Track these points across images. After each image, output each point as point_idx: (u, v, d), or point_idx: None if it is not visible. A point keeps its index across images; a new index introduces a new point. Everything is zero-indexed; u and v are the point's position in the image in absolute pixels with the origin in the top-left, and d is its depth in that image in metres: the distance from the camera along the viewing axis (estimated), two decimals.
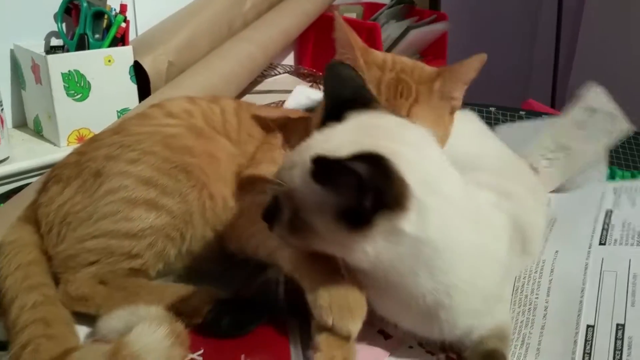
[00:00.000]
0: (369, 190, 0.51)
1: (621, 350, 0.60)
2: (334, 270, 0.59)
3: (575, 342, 0.62)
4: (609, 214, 0.78)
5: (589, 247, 0.73)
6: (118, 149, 0.72)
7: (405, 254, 0.55)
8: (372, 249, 0.54)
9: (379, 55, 0.79)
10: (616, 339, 0.61)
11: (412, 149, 0.56)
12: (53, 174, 0.76)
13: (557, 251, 0.74)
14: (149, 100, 1.10)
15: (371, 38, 1.55)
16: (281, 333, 0.64)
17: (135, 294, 0.65)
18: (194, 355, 0.60)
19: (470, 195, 0.59)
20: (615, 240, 0.73)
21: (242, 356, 0.60)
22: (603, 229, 0.76)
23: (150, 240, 0.68)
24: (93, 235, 0.68)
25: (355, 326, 0.57)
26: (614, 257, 0.70)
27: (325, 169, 0.51)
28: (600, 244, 0.73)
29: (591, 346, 0.61)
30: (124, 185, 0.69)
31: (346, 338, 0.57)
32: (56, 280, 0.68)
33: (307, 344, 0.61)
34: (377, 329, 0.66)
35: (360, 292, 0.59)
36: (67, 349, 0.58)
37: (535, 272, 0.72)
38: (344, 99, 0.61)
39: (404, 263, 0.55)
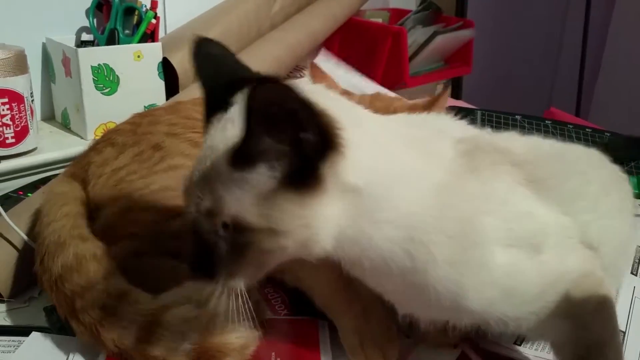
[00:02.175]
0: (309, 127, 0.43)
1: None
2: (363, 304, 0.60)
3: None
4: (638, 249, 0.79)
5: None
6: (180, 128, 0.73)
7: (357, 213, 0.47)
8: (333, 212, 0.46)
9: None
10: None
11: (332, 99, 0.50)
12: (106, 137, 0.76)
13: None
14: (177, 97, 1.11)
15: (397, 42, 1.54)
16: (312, 334, 0.63)
17: (165, 273, 0.65)
18: None
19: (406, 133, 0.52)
20: None
21: (273, 354, 0.60)
22: (634, 262, 0.76)
23: None
24: (143, 208, 0.68)
25: None
26: None
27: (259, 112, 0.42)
28: (632, 273, 0.74)
29: (624, 347, 0.61)
30: (186, 165, 0.69)
31: None
32: None
33: (336, 344, 0.61)
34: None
35: (391, 326, 0.60)
36: (165, 304, 0.58)
37: None
38: (224, 81, 0.51)
39: (363, 228, 0.48)
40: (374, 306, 0.61)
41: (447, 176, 0.49)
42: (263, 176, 0.45)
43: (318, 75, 0.86)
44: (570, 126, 1.28)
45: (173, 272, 0.64)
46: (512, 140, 0.60)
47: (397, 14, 1.81)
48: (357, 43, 1.59)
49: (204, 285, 0.58)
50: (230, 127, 0.47)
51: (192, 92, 1.13)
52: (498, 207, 0.49)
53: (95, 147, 0.77)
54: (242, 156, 0.45)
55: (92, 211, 0.71)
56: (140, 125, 0.76)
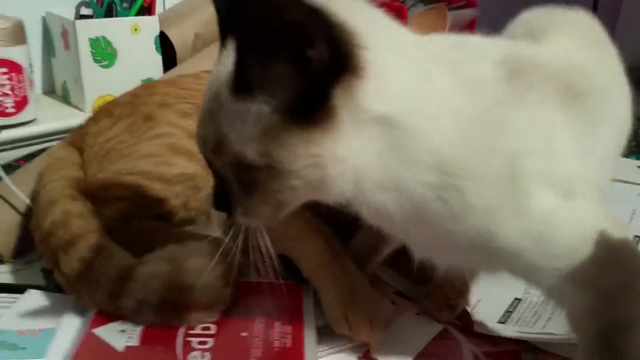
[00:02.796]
0: (316, 42, 0.37)
1: None
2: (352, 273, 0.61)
3: None
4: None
5: None
6: (173, 98, 0.76)
7: (387, 150, 0.41)
8: (346, 151, 0.40)
9: None
10: None
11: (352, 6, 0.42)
12: (106, 107, 0.80)
13: None
14: (174, 71, 1.12)
15: (398, 20, 1.53)
16: (296, 298, 0.64)
17: (153, 236, 0.67)
18: None
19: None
20: None
21: (257, 316, 0.61)
22: None
23: (180, 188, 0.70)
24: (130, 172, 0.70)
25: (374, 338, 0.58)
26: None
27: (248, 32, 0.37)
28: None
29: None
30: (171, 134, 0.72)
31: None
32: None
33: (320, 310, 0.62)
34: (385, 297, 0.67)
35: (377, 298, 0.61)
36: (136, 262, 0.60)
37: None
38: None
39: (394, 169, 0.42)
40: (360, 279, 0.62)
41: (489, 108, 0.43)
42: (263, 106, 0.39)
43: None
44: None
45: (158, 234, 0.66)
46: (537, 50, 0.52)
47: None
48: None
49: (185, 246, 0.61)
50: (232, 51, 0.40)
51: (190, 65, 1.14)
52: (543, 146, 0.43)
53: (94, 117, 0.80)
54: (240, 83, 0.39)
55: (87, 177, 0.74)
56: (139, 97, 0.79)
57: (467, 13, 1.79)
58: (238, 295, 0.62)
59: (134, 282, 0.58)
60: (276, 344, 0.57)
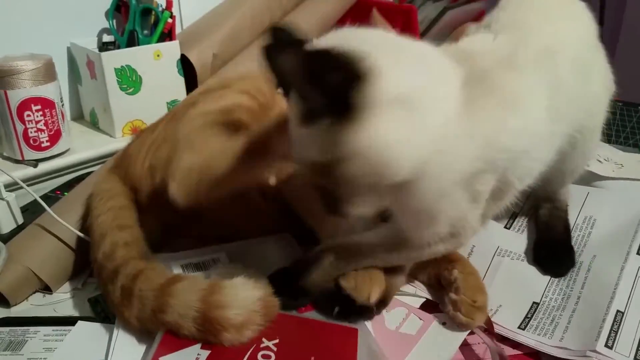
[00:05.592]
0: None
1: None
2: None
3: (603, 321, 0.65)
4: None
5: (627, 254, 0.76)
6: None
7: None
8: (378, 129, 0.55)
9: None
10: None
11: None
12: (147, 127, 0.85)
13: (595, 255, 0.78)
14: (197, 92, 1.15)
15: (408, 21, 1.55)
16: (351, 342, 0.63)
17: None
18: (269, 343, 0.62)
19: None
20: None
21: (312, 358, 0.60)
22: None
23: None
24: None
25: (374, 293, 0.65)
26: None
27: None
28: (638, 254, 0.76)
29: (619, 326, 0.64)
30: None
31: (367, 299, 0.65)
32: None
33: (374, 350, 0.63)
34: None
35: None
36: (173, 277, 0.65)
37: (572, 270, 0.76)
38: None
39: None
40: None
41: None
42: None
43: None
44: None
45: None
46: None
47: None
48: (368, 23, 1.60)
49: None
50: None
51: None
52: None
53: (138, 136, 0.84)
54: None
55: (137, 190, 0.78)
56: (179, 110, 0.83)
57: (475, 7, 1.80)
58: (294, 331, 0.64)
59: (173, 297, 0.62)
60: None
